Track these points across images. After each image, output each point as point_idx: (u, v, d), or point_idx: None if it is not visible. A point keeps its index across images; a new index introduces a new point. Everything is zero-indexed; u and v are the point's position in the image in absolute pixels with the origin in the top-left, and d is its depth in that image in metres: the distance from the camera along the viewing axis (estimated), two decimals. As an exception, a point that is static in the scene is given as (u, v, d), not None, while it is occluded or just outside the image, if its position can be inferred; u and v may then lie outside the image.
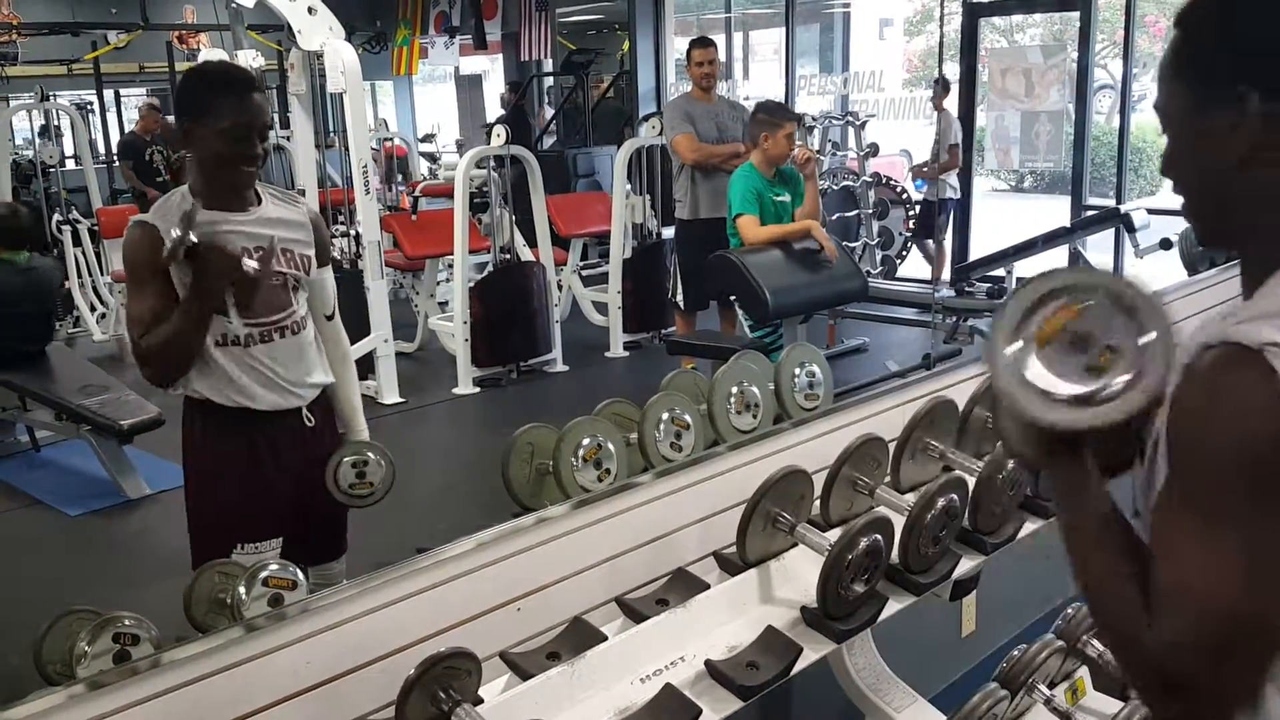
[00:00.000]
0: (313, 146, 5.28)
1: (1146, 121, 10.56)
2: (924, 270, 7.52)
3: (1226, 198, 0.94)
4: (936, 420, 1.82)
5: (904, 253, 7.69)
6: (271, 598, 1.66)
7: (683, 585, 1.57)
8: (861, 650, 1.90)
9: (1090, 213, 6.66)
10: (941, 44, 7.47)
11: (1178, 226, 4.76)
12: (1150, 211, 5.86)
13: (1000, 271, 5.93)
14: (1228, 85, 0.89)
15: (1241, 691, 0.85)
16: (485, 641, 1.36)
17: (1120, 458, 0.99)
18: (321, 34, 4.83)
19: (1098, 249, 6.48)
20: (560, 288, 6.19)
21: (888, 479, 1.77)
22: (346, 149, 5.06)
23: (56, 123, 8.54)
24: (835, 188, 7.11)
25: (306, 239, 2.22)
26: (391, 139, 10.98)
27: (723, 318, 4.86)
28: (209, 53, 6.89)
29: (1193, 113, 0.93)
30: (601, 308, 6.29)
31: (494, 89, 13.74)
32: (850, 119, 7.53)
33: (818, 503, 1.68)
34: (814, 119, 7.27)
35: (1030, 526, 1.83)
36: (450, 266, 6.08)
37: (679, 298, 5.23)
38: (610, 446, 1.95)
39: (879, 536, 1.51)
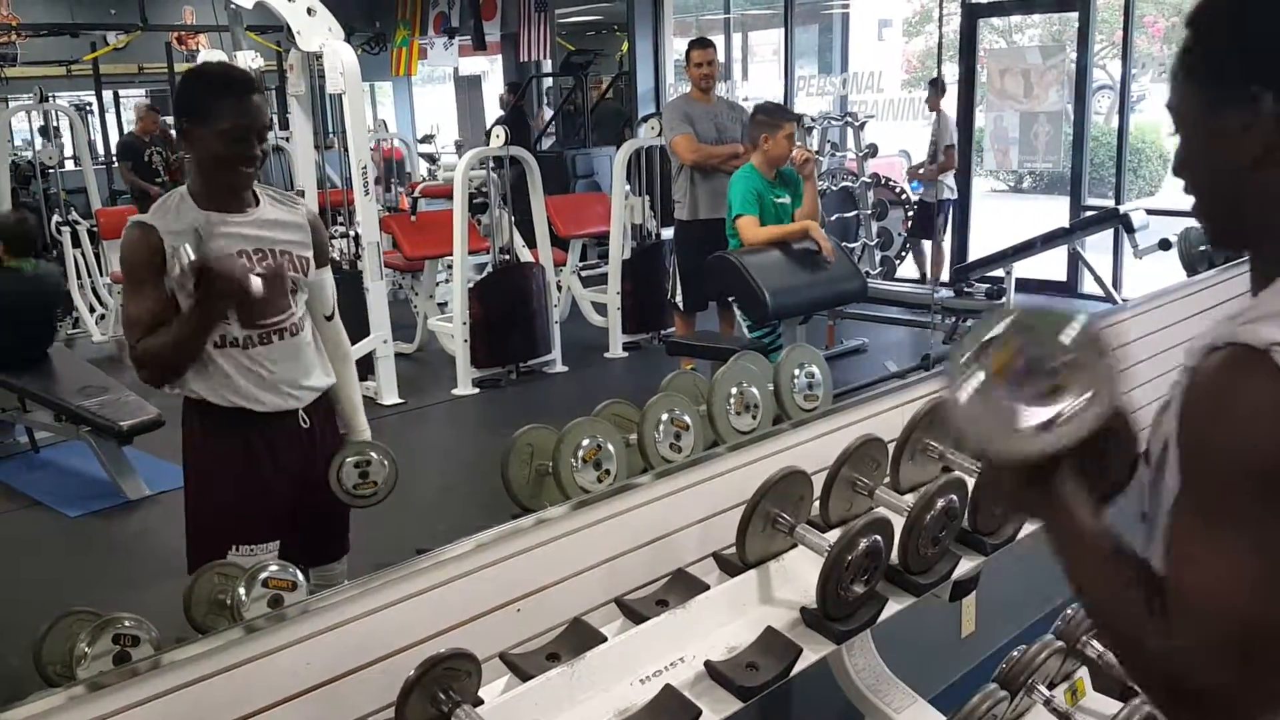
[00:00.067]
0: (312, 147, 5.28)
1: (1145, 122, 10.58)
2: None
3: (1239, 198, 0.93)
4: (936, 421, 1.82)
5: (903, 253, 7.70)
6: (271, 599, 1.66)
7: (682, 586, 1.57)
8: (861, 651, 1.90)
9: (1089, 213, 6.66)
10: (940, 45, 7.47)
11: (1177, 227, 4.76)
12: (1149, 212, 5.86)
13: (999, 272, 5.93)
14: (1240, 85, 0.89)
15: (1261, 698, 0.84)
16: (485, 642, 1.36)
17: (1107, 480, 0.99)
18: (320, 35, 4.83)
19: (1097, 249, 6.49)
20: (559, 288, 6.19)
21: (887, 480, 1.77)
22: (346, 150, 5.06)
23: (55, 124, 8.54)
24: (834, 189, 7.12)
25: (304, 240, 2.22)
26: (387, 140, 10.97)
27: (722, 318, 4.86)
28: (208, 54, 6.89)
29: (1205, 113, 0.93)
30: (601, 308, 6.29)
31: (493, 90, 13.74)
32: (849, 120, 7.54)
33: (817, 503, 1.68)
34: (813, 120, 7.27)
35: (1030, 527, 1.83)
36: (449, 267, 6.08)
37: (678, 298, 5.23)
38: (610, 447, 1.95)
39: (878, 537, 1.51)
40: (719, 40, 9.22)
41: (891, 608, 1.58)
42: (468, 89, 14.31)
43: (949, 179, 7.24)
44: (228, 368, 2.09)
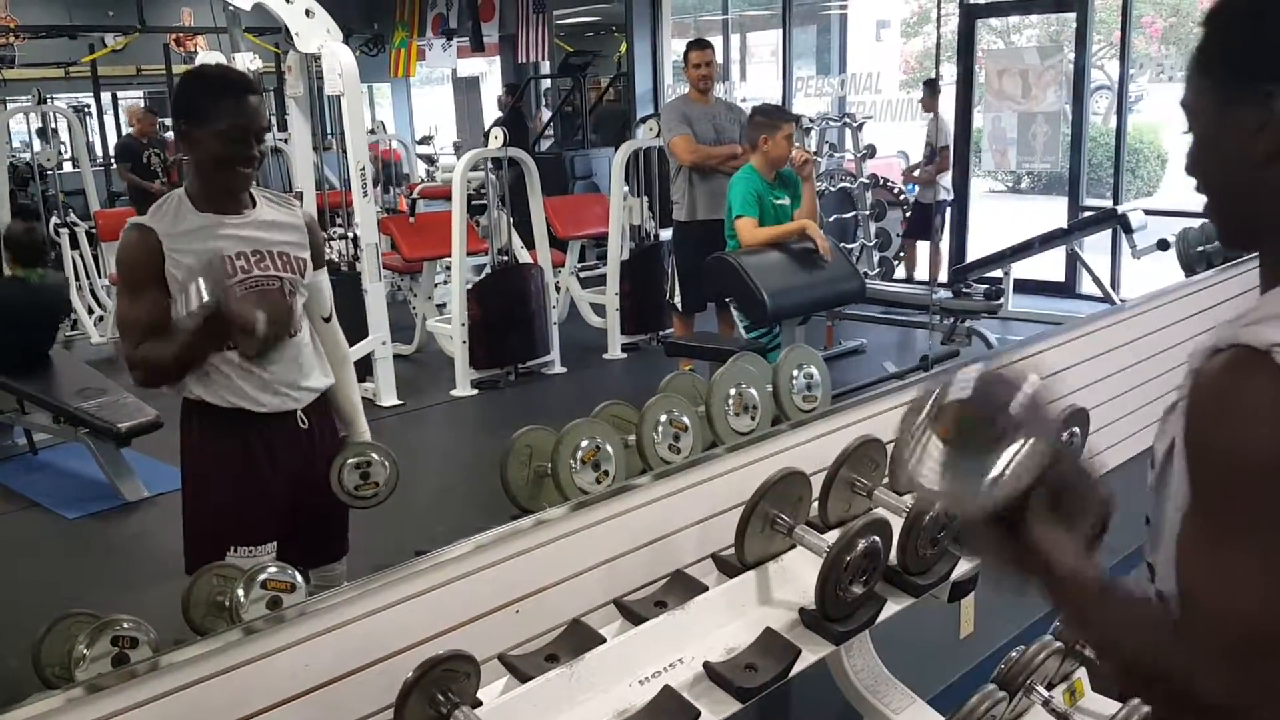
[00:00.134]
0: (310, 149, 5.28)
1: (1143, 122, 10.60)
2: (921, 271, 7.53)
3: (1250, 196, 0.93)
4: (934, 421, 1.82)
5: (901, 254, 7.70)
6: (270, 600, 1.66)
7: (681, 587, 1.57)
8: (860, 652, 1.90)
9: (1087, 213, 6.67)
10: (938, 46, 7.48)
11: (1175, 227, 4.76)
12: (1147, 212, 5.86)
13: (998, 273, 5.93)
14: (1254, 83, 0.89)
15: (1272, 702, 0.83)
16: (484, 644, 1.36)
17: (1085, 519, 0.99)
18: (319, 36, 4.83)
19: (1095, 250, 6.49)
20: (558, 290, 6.19)
21: (886, 480, 1.77)
22: (344, 152, 5.06)
23: (54, 125, 8.53)
24: (833, 189, 7.11)
25: (301, 241, 2.22)
26: (385, 141, 10.96)
27: (720, 319, 4.86)
28: (206, 55, 6.89)
29: (1218, 111, 0.93)
30: (599, 309, 6.29)
31: (491, 91, 13.75)
32: (847, 121, 7.54)
33: (816, 504, 1.68)
34: (811, 121, 7.27)
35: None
36: (448, 269, 6.08)
37: (677, 299, 5.23)
38: (608, 448, 1.95)
39: (877, 538, 1.51)
40: (717, 41, 9.23)
41: (890, 608, 1.59)
42: (466, 90, 14.31)
43: (945, 180, 7.25)
44: (227, 369, 2.09)
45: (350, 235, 5.22)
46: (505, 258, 5.71)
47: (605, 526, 1.57)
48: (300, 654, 1.26)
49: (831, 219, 6.87)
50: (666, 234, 5.76)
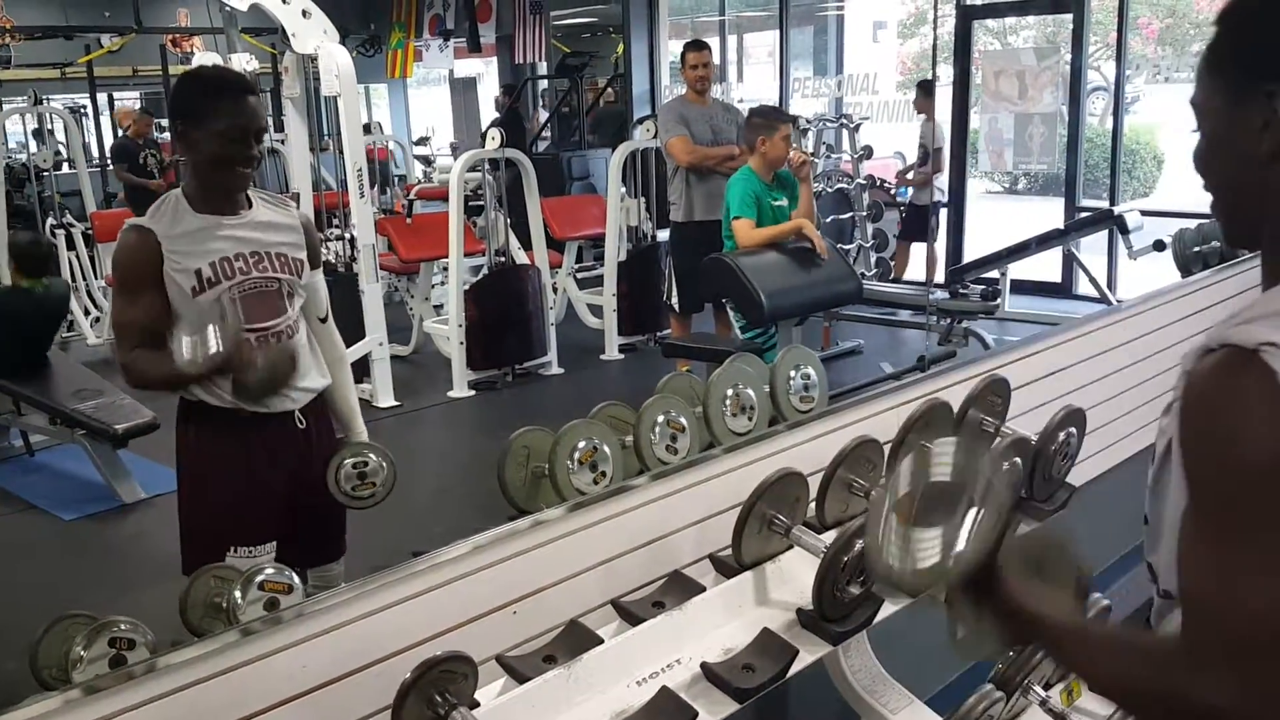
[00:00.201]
0: (307, 150, 5.28)
1: (1140, 123, 10.61)
2: (919, 272, 7.53)
3: (1253, 195, 0.94)
4: (931, 422, 1.82)
5: (893, 256, 7.70)
6: (267, 601, 1.66)
7: (679, 588, 1.57)
8: (857, 652, 1.90)
9: (1084, 214, 6.68)
10: (935, 47, 7.48)
11: (1171, 228, 4.77)
12: (1143, 213, 5.87)
13: (995, 273, 5.94)
14: (1259, 83, 0.90)
15: (1275, 703, 0.82)
16: (481, 645, 1.36)
17: (1066, 573, 1.01)
18: (316, 37, 4.82)
19: (1091, 250, 6.50)
20: (555, 290, 6.19)
21: (883, 481, 1.77)
22: (341, 152, 5.06)
23: (50, 126, 8.52)
24: (830, 190, 7.12)
25: (298, 242, 2.22)
26: (381, 142, 10.93)
27: (718, 320, 4.86)
28: (203, 56, 6.88)
29: (1225, 109, 0.93)
30: (597, 310, 6.29)
31: (489, 92, 13.75)
32: (844, 121, 7.54)
33: (813, 505, 1.68)
34: (808, 122, 7.27)
35: (1025, 528, 1.84)
36: (445, 269, 6.07)
37: (674, 300, 5.24)
38: (606, 449, 1.95)
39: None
40: (714, 42, 9.23)
41: (887, 609, 1.59)
42: (463, 91, 14.31)
43: (939, 181, 7.25)
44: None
45: (347, 236, 5.22)
46: (502, 259, 5.71)
47: (603, 527, 1.57)
48: (298, 655, 1.26)
49: (828, 220, 6.87)
50: (664, 235, 5.76)
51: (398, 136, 12.93)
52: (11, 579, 3.52)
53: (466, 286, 5.49)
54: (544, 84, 12.57)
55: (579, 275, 6.92)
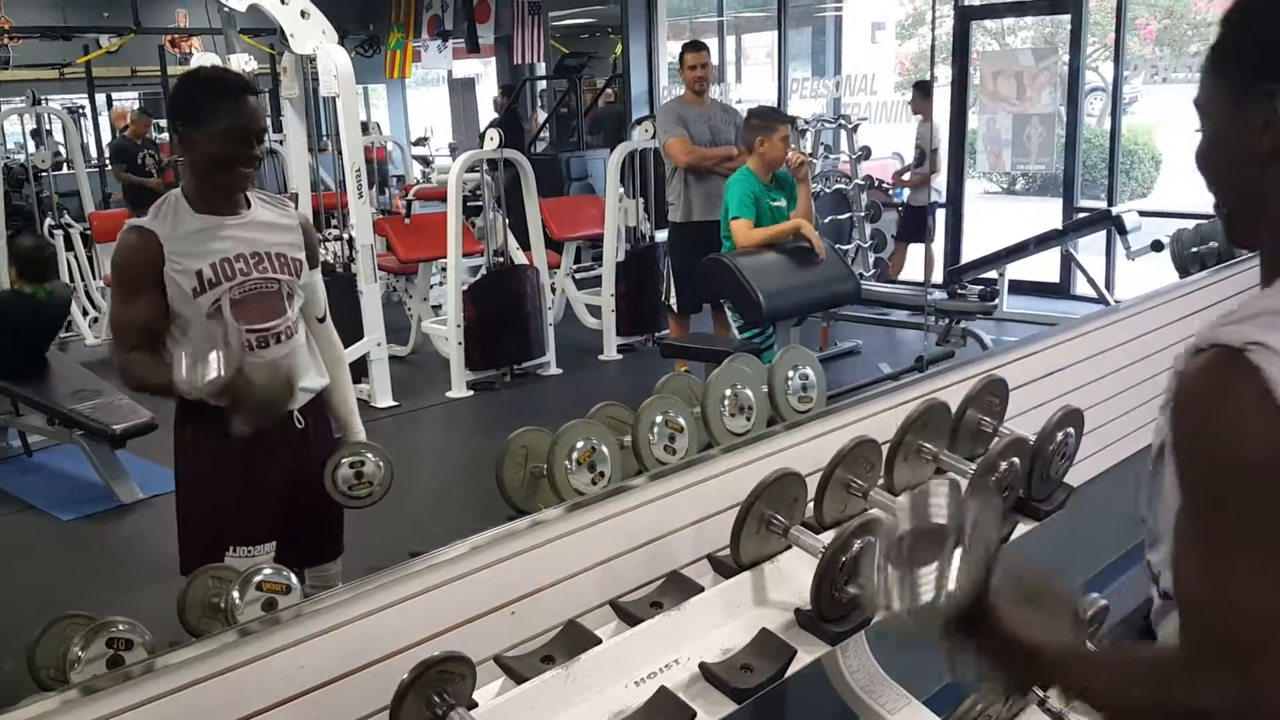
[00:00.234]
0: (305, 150, 5.27)
1: (1137, 124, 10.62)
2: (916, 273, 7.53)
3: (1254, 194, 0.95)
4: (929, 422, 1.82)
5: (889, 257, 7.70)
6: (265, 602, 1.66)
7: (677, 588, 1.57)
8: (855, 652, 1.90)
9: (1082, 215, 6.68)
10: (933, 48, 7.50)
11: (1169, 229, 4.78)
12: (1141, 214, 5.88)
13: (993, 274, 5.94)
14: (1260, 83, 0.90)
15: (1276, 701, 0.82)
16: (479, 645, 1.36)
17: (1059, 608, 1.01)
18: (314, 38, 4.82)
19: (1089, 251, 6.51)
20: (554, 291, 6.19)
21: (881, 481, 1.78)
22: (339, 153, 5.06)
23: (48, 127, 8.51)
24: (828, 191, 7.12)
25: (297, 242, 2.22)
26: (379, 142, 10.91)
27: (716, 320, 4.86)
28: (201, 57, 6.88)
29: (1226, 108, 0.94)
30: (595, 311, 6.29)
31: (487, 92, 13.75)
32: (842, 122, 7.54)
33: (811, 505, 1.68)
34: (806, 122, 7.27)
35: (1023, 529, 1.84)
36: (443, 270, 6.07)
37: (672, 301, 5.23)
38: (604, 449, 1.95)
39: (872, 538, 1.51)
40: (712, 43, 9.22)
41: (885, 609, 1.59)
42: (461, 92, 14.30)
43: (935, 182, 7.25)
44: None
45: (345, 236, 5.21)
46: (501, 259, 5.71)
47: (601, 527, 1.57)
48: (296, 655, 1.26)
49: (827, 220, 6.87)
50: (662, 235, 5.76)
51: (396, 137, 12.92)
52: (9, 579, 3.51)
53: (465, 287, 5.49)
54: (542, 85, 12.56)
55: (577, 275, 6.92)
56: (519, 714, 1.30)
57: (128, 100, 12.88)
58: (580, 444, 1.93)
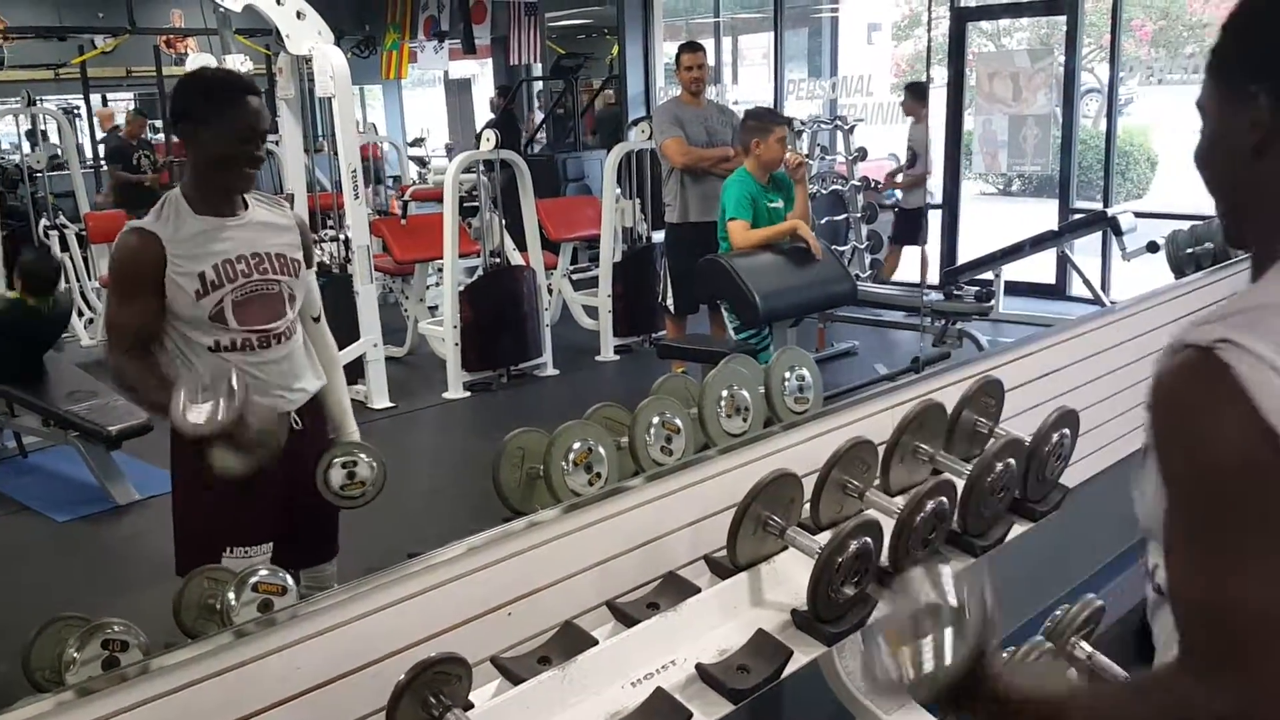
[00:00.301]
0: (301, 151, 5.27)
1: (1133, 125, 10.64)
2: (912, 273, 7.54)
3: (1244, 192, 0.97)
4: (925, 423, 1.82)
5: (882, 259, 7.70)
6: (261, 603, 1.66)
7: (673, 589, 1.57)
8: (852, 653, 1.90)
9: (1077, 216, 6.69)
10: (929, 49, 7.50)
11: (1165, 230, 4.78)
12: (1137, 215, 5.89)
13: (989, 275, 5.95)
14: (1248, 84, 0.93)
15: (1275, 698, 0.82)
16: (476, 646, 1.36)
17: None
18: (310, 38, 4.82)
19: (1085, 252, 6.52)
20: (550, 292, 6.19)
21: (877, 482, 1.78)
22: (335, 153, 5.05)
23: (43, 127, 8.49)
24: (824, 192, 7.13)
25: (295, 243, 2.22)
26: (376, 142, 10.88)
27: (713, 321, 4.87)
28: (196, 57, 6.87)
29: (1219, 110, 0.97)
30: (592, 312, 6.29)
31: (483, 93, 13.75)
32: (839, 123, 7.55)
33: (808, 506, 1.68)
34: (803, 123, 7.28)
35: (1019, 529, 1.84)
36: (440, 271, 6.07)
37: (669, 301, 5.24)
38: (601, 450, 1.95)
39: (869, 539, 1.51)
40: (709, 44, 9.23)
41: (882, 610, 1.59)
42: (458, 92, 14.31)
43: (929, 184, 7.25)
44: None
45: (342, 237, 5.21)
46: (497, 260, 5.71)
47: (598, 528, 1.57)
48: (292, 657, 1.26)
49: (823, 221, 6.88)
50: (659, 236, 5.76)
51: (392, 138, 12.91)
52: (4, 581, 3.51)
53: (461, 288, 5.49)
54: (539, 85, 12.56)
55: (574, 276, 6.92)
56: (516, 715, 1.30)
57: (123, 101, 12.87)
58: (577, 445, 1.93)
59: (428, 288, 6.53)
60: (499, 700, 1.32)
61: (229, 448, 1.80)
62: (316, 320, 2.33)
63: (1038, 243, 6.09)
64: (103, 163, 9.02)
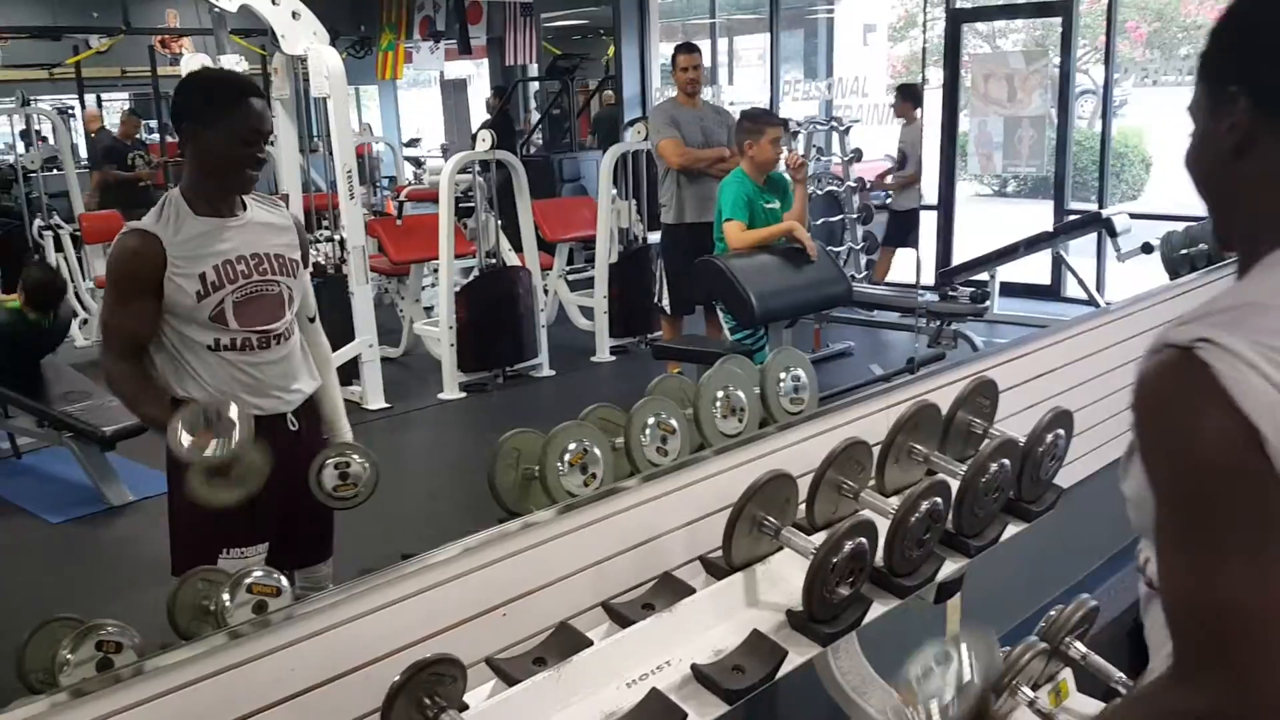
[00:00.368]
0: (296, 151, 5.26)
1: (1128, 126, 10.66)
2: (908, 274, 7.54)
3: (1226, 193, 0.98)
4: (920, 424, 1.83)
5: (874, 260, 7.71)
6: (255, 604, 1.65)
7: (669, 589, 1.57)
8: (847, 653, 1.91)
9: (1072, 217, 6.70)
10: (925, 50, 7.51)
11: (1159, 231, 4.80)
12: (1132, 216, 5.90)
13: (984, 275, 5.96)
14: (1228, 85, 0.94)
15: (1269, 693, 0.82)
16: (471, 647, 1.36)
17: None
18: (305, 39, 4.81)
19: (1080, 253, 6.53)
20: (546, 292, 6.19)
21: (872, 482, 1.78)
22: (330, 154, 5.05)
23: (38, 127, 8.47)
24: (820, 193, 7.13)
25: (294, 243, 2.22)
26: (372, 142, 10.87)
27: (708, 322, 4.87)
28: (191, 57, 6.85)
29: (1204, 113, 0.98)
30: (588, 312, 6.29)
31: (479, 94, 13.74)
32: (834, 124, 7.56)
33: (803, 506, 1.68)
34: (798, 124, 7.28)
35: (1013, 529, 1.84)
36: (435, 271, 6.07)
37: (665, 302, 5.24)
38: (596, 451, 1.94)
39: (864, 540, 1.52)
40: (704, 45, 9.25)
41: (877, 610, 1.59)
42: (454, 93, 14.29)
43: (919, 186, 7.26)
44: (221, 371, 2.08)
45: (337, 238, 5.20)
46: (493, 260, 5.70)
47: (593, 529, 1.57)
48: (286, 658, 1.26)
49: (818, 222, 6.89)
50: (654, 237, 5.76)
51: (388, 138, 12.90)
52: (-2, 582, 3.50)
53: (457, 288, 5.48)
54: (535, 86, 12.56)
55: (570, 277, 6.92)
56: (510, 716, 1.30)
57: (118, 101, 12.84)
58: (572, 446, 1.93)
59: (423, 288, 6.53)
60: (494, 701, 1.32)
61: (223, 480, 1.81)
62: (312, 321, 2.33)
63: (1033, 244, 6.11)
64: (89, 164, 8.98)
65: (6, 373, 4.41)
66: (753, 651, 1.46)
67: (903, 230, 7.20)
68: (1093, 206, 6.89)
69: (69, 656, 1.48)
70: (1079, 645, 1.83)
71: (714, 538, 1.60)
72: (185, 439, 1.77)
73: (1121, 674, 1.68)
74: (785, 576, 1.59)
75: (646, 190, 6.09)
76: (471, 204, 6.07)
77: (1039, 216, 7.26)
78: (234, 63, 5.85)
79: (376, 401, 5.13)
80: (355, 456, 2.24)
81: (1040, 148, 7.28)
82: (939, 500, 1.63)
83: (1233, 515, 0.83)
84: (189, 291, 2.03)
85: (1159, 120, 10.33)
